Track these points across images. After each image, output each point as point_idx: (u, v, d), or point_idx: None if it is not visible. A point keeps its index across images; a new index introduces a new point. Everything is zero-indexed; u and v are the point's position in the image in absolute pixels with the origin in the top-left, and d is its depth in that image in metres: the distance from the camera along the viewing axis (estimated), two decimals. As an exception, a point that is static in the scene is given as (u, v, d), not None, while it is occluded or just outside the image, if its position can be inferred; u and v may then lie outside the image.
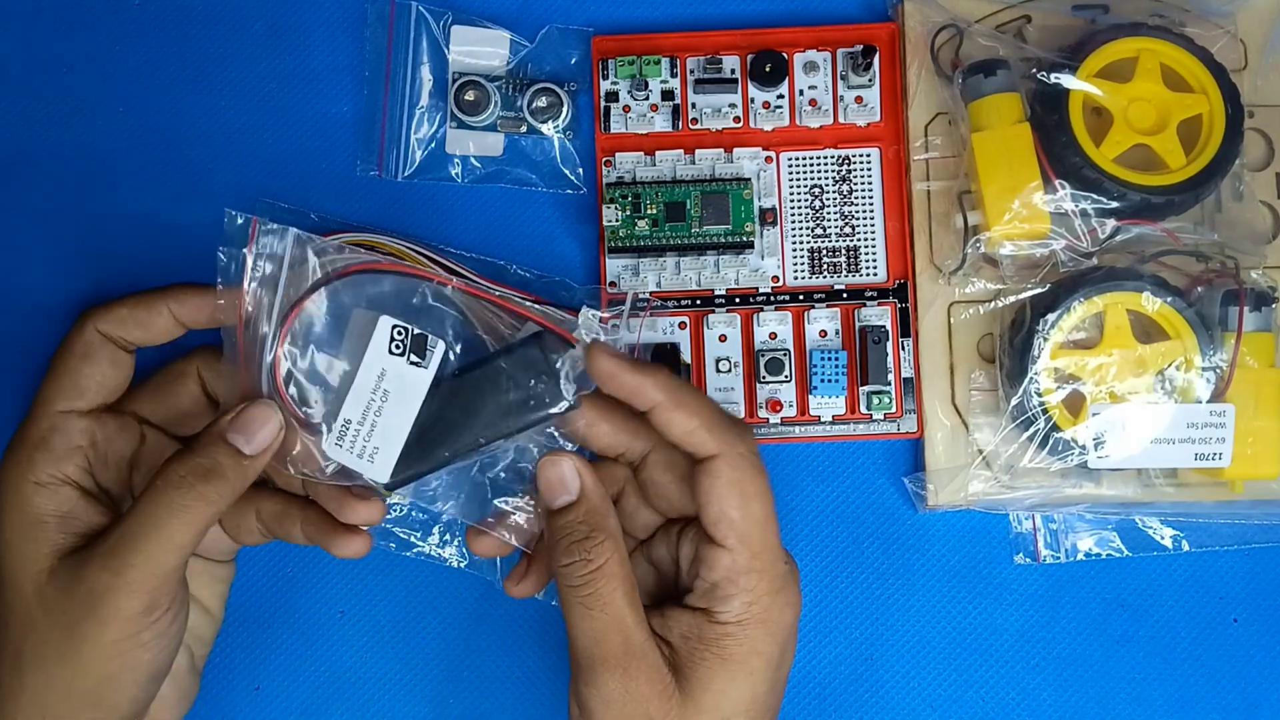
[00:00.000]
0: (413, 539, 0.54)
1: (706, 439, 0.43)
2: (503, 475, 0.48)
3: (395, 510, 0.54)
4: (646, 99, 0.54)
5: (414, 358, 0.45)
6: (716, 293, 0.54)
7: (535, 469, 0.45)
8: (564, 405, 0.45)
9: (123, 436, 0.47)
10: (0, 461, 0.46)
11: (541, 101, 0.54)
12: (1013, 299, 0.52)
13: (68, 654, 0.42)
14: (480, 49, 0.55)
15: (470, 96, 0.54)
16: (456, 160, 0.55)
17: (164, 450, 0.48)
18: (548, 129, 0.55)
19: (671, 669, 0.43)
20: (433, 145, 0.55)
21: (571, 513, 0.44)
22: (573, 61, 0.55)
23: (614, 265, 0.54)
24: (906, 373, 0.54)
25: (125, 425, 0.47)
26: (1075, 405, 0.50)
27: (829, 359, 0.53)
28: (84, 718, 0.43)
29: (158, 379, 0.49)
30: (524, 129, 0.55)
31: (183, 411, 0.49)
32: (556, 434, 0.47)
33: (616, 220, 0.53)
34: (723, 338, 0.54)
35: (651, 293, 0.54)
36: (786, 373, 0.53)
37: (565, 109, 0.54)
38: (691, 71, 0.55)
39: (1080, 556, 0.54)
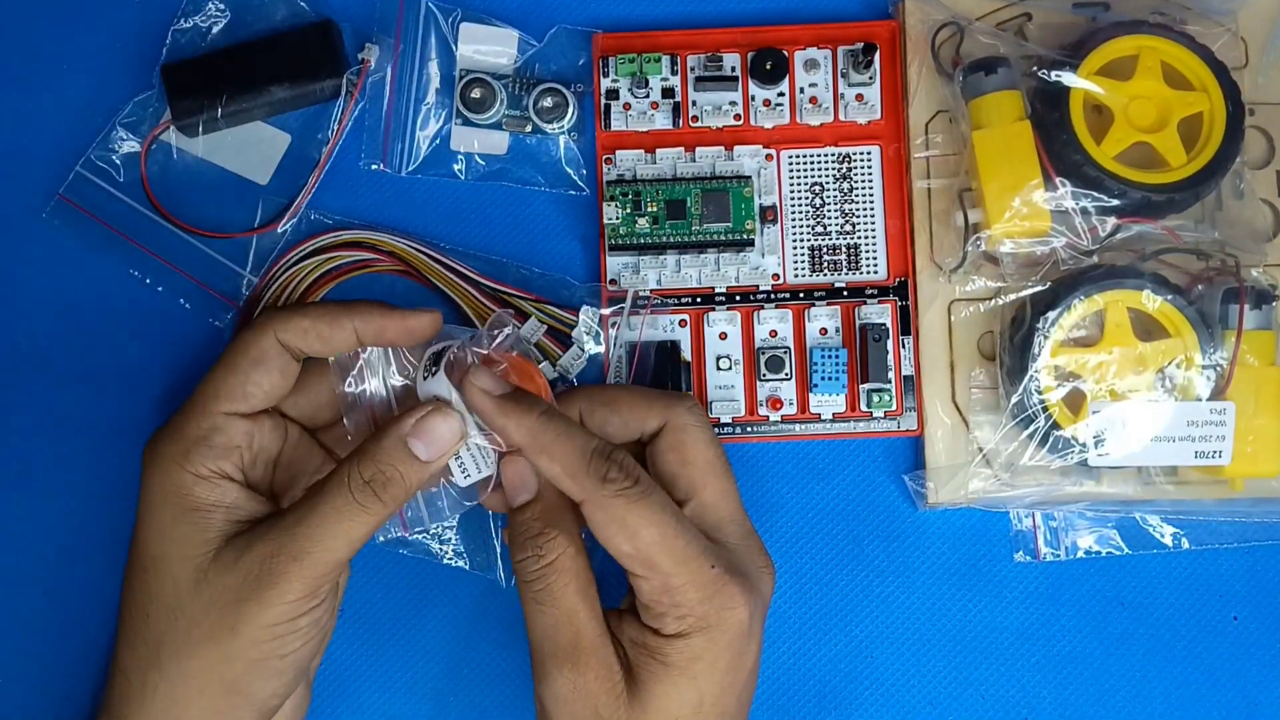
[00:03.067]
0: (412, 538, 0.54)
1: (570, 485, 0.44)
2: None
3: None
4: (647, 97, 0.54)
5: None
6: (717, 290, 0.54)
7: (499, 467, 0.46)
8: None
9: (274, 436, 0.48)
10: (153, 450, 0.46)
11: (547, 101, 0.54)
12: (1013, 297, 0.52)
13: (221, 634, 0.42)
14: (488, 47, 0.55)
15: (476, 94, 0.54)
16: (460, 157, 0.55)
17: (304, 447, 0.49)
18: (553, 129, 0.55)
19: (624, 669, 0.44)
20: (437, 142, 0.55)
21: (528, 510, 0.45)
22: (580, 63, 0.55)
23: (614, 263, 0.54)
24: (907, 370, 0.54)
25: (277, 425, 0.48)
26: (1075, 403, 0.50)
27: (829, 357, 0.53)
28: (221, 709, 0.43)
29: (302, 378, 0.48)
30: (529, 128, 0.55)
31: (321, 405, 0.49)
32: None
33: (617, 218, 0.53)
34: (723, 335, 0.54)
35: (652, 290, 0.54)
36: (787, 370, 0.53)
37: (571, 110, 0.54)
38: (692, 69, 0.55)
39: (1080, 554, 0.54)
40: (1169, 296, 0.50)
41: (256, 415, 0.47)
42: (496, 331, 0.47)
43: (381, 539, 0.52)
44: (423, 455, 0.44)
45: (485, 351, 0.46)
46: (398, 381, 0.48)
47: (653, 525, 0.43)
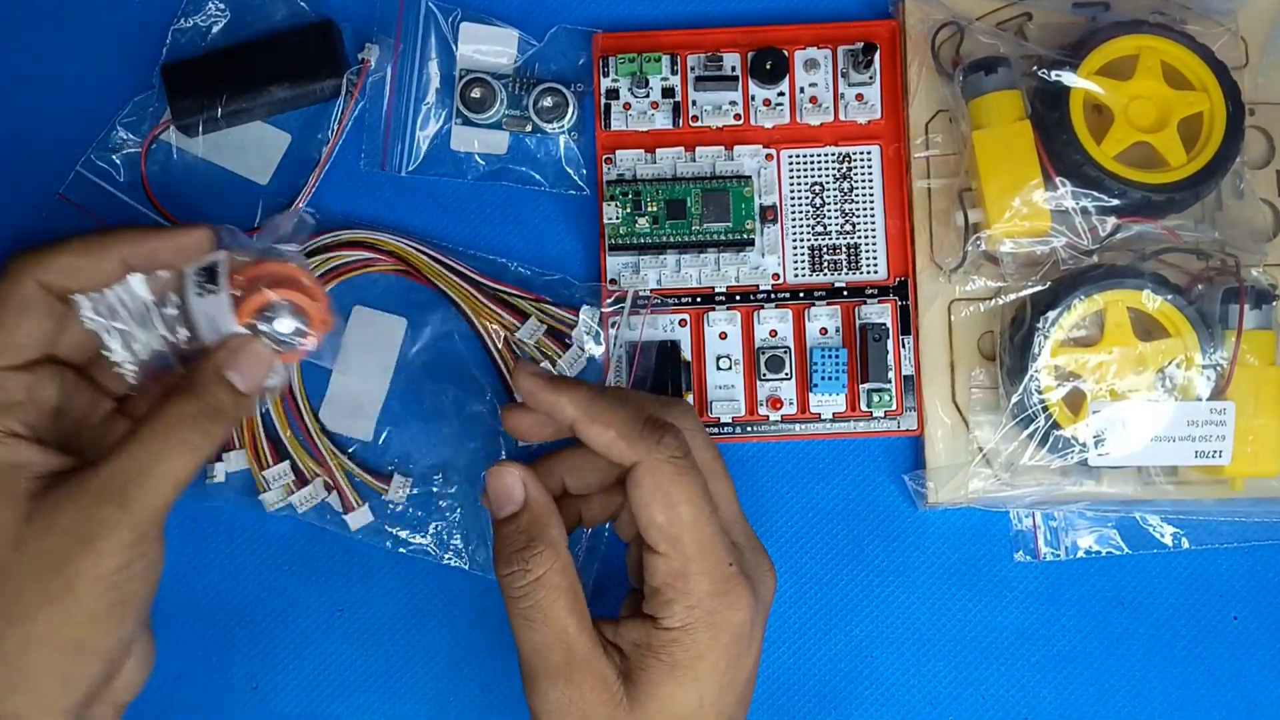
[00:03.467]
0: (412, 538, 0.54)
1: (624, 449, 0.43)
2: None
3: (393, 507, 0.54)
4: (647, 96, 0.54)
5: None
6: (717, 290, 0.54)
7: (484, 479, 0.46)
8: None
9: (52, 383, 0.45)
10: None
11: (547, 101, 0.54)
12: (1013, 297, 0.52)
13: (55, 594, 0.40)
14: (488, 46, 0.55)
15: (476, 94, 0.54)
16: (461, 157, 0.55)
17: (81, 388, 0.46)
18: (553, 129, 0.55)
19: (622, 676, 0.44)
20: (437, 141, 0.55)
21: (514, 522, 0.45)
22: (580, 63, 0.55)
23: (614, 263, 0.54)
24: (907, 370, 0.54)
25: (53, 372, 0.45)
26: (1075, 403, 0.50)
27: (829, 356, 0.53)
28: (69, 669, 0.41)
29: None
30: (529, 128, 0.55)
31: (86, 342, 0.46)
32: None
33: (617, 218, 0.53)
34: (723, 335, 0.54)
35: (652, 290, 0.54)
36: (787, 370, 0.53)
37: (571, 110, 0.54)
38: (692, 69, 0.55)
39: (1080, 554, 0.54)
40: (1169, 296, 0.50)
41: (32, 365, 0.44)
42: (266, 237, 0.45)
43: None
44: (242, 386, 0.43)
45: (249, 260, 0.44)
46: (170, 310, 0.45)
47: (691, 504, 0.43)
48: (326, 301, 0.45)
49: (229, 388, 0.43)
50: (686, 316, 0.54)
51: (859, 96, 0.55)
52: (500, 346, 0.54)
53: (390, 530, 0.54)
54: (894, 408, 0.54)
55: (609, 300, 0.54)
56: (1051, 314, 0.50)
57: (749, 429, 0.54)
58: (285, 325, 0.44)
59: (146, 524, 0.41)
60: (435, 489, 0.54)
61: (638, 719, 0.43)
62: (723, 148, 0.54)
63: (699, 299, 0.54)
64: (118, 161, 0.55)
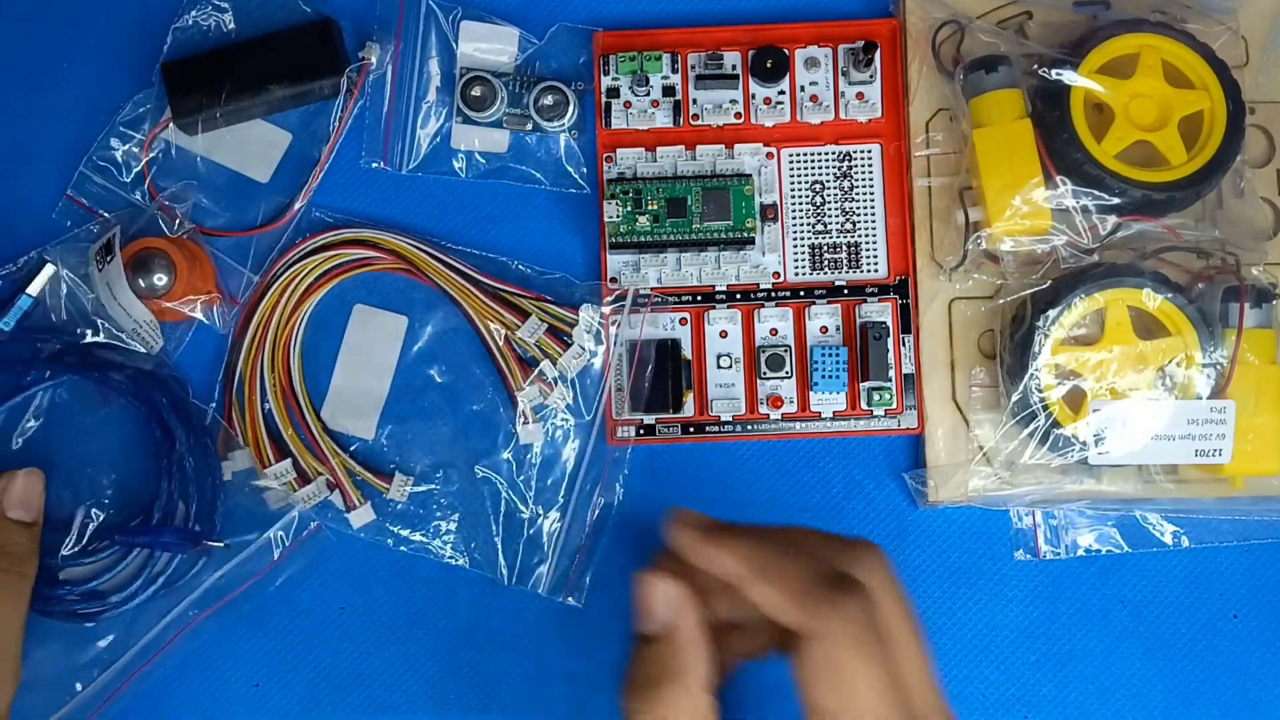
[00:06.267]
0: (413, 537, 0.54)
1: (794, 614, 0.37)
2: None
3: (395, 506, 0.54)
4: (648, 95, 0.54)
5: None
6: (717, 289, 0.54)
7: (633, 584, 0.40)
8: None
9: None
10: None
11: (548, 100, 0.54)
12: (1014, 295, 0.52)
13: None
14: (489, 45, 0.55)
15: (477, 92, 0.54)
16: (461, 155, 0.55)
17: None
18: (553, 127, 0.55)
19: None
20: (438, 140, 0.55)
21: (650, 648, 0.39)
22: (580, 61, 0.55)
23: (615, 261, 0.54)
24: (907, 369, 0.54)
25: None
26: (1076, 401, 0.50)
27: (830, 355, 0.53)
28: None
29: None
30: (529, 126, 0.55)
31: None
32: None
33: (618, 216, 0.53)
34: (723, 334, 0.54)
35: (652, 289, 0.54)
36: (787, 369, 0.53)
37: (571, 108, 0.54)
38: (693, 67, 0.55)
39: (1080, 553, 0.54)
40: (1169, 295, 0.50)
41: None
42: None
43: None
44: (28, 518, 0.45)
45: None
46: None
47: (867, 683, 0.36)
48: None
49: (20, 527, 0.45)
50: (687, 315, 0.54)
51: (859, 95, 0.55)
52: (501, 345, 0.54)
53: (392, 529, 0.54)
54: (894, 406, 0.54)
55: (609, 299, 0.54)
56: (1052, 312, 0.50)
57: (749, 427, 0.54)
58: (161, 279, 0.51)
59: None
60: (437, 487, 0.54)
61: None
62: (723, 146, 0.54)
63: (699, 297, 0.54)
64: (119, 159, 0.55)
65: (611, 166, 0.55)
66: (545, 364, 0.53)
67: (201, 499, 0.53)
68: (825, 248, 0.55)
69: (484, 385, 0.54)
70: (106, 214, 0.54)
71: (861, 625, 0.37)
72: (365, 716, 0.54)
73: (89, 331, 0.53)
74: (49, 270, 0.53)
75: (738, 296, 0.54)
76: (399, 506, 0.54)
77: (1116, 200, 0.50)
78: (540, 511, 0.54)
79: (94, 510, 0.52)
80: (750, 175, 0.54)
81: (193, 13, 0.55)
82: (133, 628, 0.53)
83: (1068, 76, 0.50)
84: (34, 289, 0.53)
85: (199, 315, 0.54)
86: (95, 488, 0.53)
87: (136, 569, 0.52)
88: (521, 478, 0.54)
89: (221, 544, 0.52)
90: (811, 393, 0.54)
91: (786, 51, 0.54)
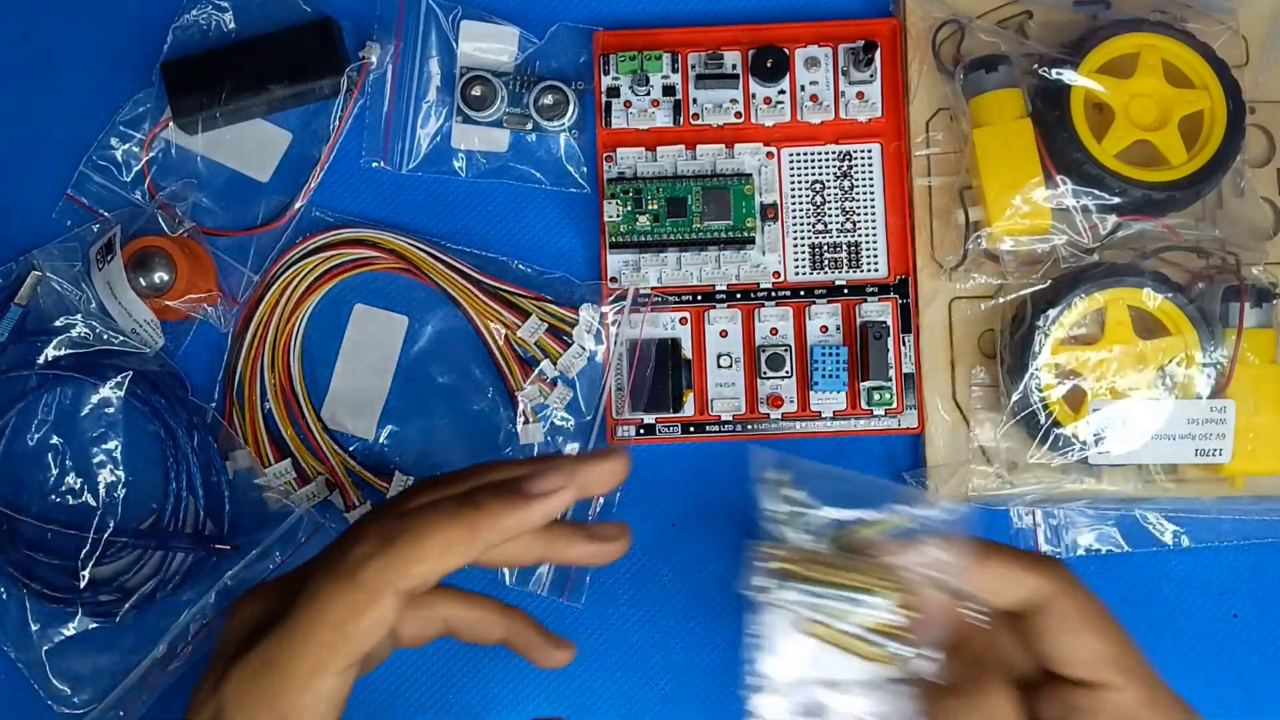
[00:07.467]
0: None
1: (1034, 578, 0.36)
2: None
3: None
4: (648, 94, 0.54)
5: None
6: (717, 288, 0.54)
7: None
8: None
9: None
10: None
11: (548, 99, 0.54)
12: (1014, 295, 0.52)
13: None
14: (489, 44, 0.55)
15: (477, 92, 0.54)
16: (461, 155, 0.55)
17: None
18: (553, 127, 0.55)
19: None
20: (438, 139, 0.55)
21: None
22: (581, 60, 0.55)
23: (615, 261, 0.54)
24: (907, 368, 0.54)
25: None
26: (1076, 401, 0.50)
27: (830, 355, 0.53)
28: None
29: None
30: (529, 126, 0.55)
31: None
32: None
33: (618, 215, 0.53)
34: (724, 333, 0.54)
35: (652, 288, 0.54)
36: (787, 368, 0.53)
37: (571, 107, 0.54)
38: (693, 67, 0.55)
39: (1081, 552, 0.54)
40: (1169, 294, 0.50)
41: None
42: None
43: None
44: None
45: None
46: None
47: (1118, 624, 0.37)
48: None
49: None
50: (687, 314, 0.54)
51: (860, 95, 0.55)
52: (501, 344, 0.54)
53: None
54: (894, 406, 0.54)
55: (609, 298, 0.54)
56: (1052, 312, 0.50)
57: (749, 427, 0.54)
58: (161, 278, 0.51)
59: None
60: (436, 487, 0.54)
61: None
62: (723, 146, 0.54)
63: (699, 297, 0.54)
64: (119, 159, 0.55)
65: (611, 166, 0.55)
66: (545, 364, 0.53)
67: (210, 498, 0.53)
68: (825, 247, 0.55)
69: (484, 385, 0.54)
70: (107, 213, 0.55)
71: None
72: (365, 718, 0.54)
73: (89, 332, 0.53)
74: (34, 277, 0.53)
75: (738, 296, 0.54)
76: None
77: (1116, 200, 0.50)
78: (540, 511, 0.54)
79: (107, 518, 0.53)
80: (750, 175, 0.54)
81: (193, 12, 0.55)
82: (158, 623, 0.53)
83: (1068, 76, 0.50)
84: (21, 298, 0.53)
85: (200, 313, 0.54)
86: (107, 488, 0.54)
87: (154, 568, 0.53)
88: (522, 477, 0.54)
89: (230, 547, 0.52)
90: (812, 392, 0.54)
91: (786, 51, 0.54)
